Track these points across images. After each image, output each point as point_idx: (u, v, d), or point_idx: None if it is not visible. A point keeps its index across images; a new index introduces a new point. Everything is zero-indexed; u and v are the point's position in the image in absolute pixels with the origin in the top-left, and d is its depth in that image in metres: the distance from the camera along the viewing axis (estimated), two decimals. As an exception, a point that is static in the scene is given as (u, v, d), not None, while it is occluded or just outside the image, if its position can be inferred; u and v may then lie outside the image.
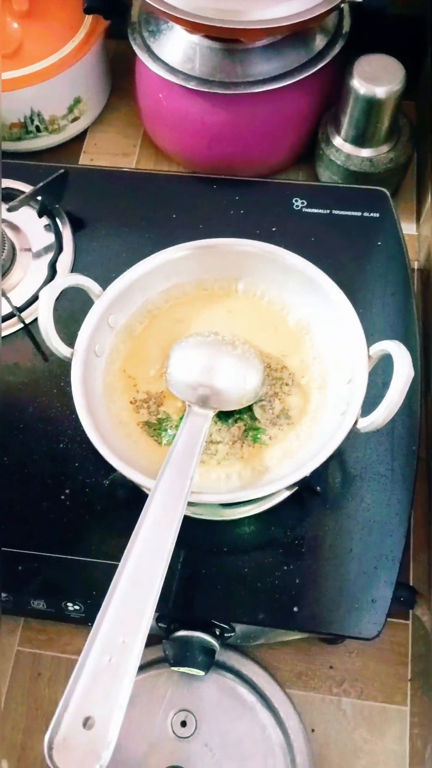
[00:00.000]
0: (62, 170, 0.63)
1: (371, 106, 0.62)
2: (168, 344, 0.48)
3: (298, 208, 0.62)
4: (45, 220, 0.63)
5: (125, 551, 0.37)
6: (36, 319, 0.46)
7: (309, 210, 0.62)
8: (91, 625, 0.34)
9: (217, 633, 0.48)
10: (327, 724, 0.53)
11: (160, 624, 0.49)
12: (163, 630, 0.49)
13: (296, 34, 0.62)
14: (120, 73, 0.80)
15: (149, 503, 0.39)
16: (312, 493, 0.49)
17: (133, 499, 0.49)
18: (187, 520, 0.39)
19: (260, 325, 0.50)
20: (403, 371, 0.39)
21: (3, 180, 0.64)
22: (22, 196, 0.62)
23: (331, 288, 0.47)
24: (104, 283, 0.48)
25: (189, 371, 0.45)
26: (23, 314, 0.58)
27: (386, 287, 0.57)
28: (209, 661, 0.48)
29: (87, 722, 0.32)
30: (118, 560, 0.36)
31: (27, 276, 0.61)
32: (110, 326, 0.49)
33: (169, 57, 0.66)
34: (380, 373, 0.44)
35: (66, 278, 0.47)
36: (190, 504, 0.40)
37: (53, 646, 0.57)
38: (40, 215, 0.63)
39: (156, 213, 0.63)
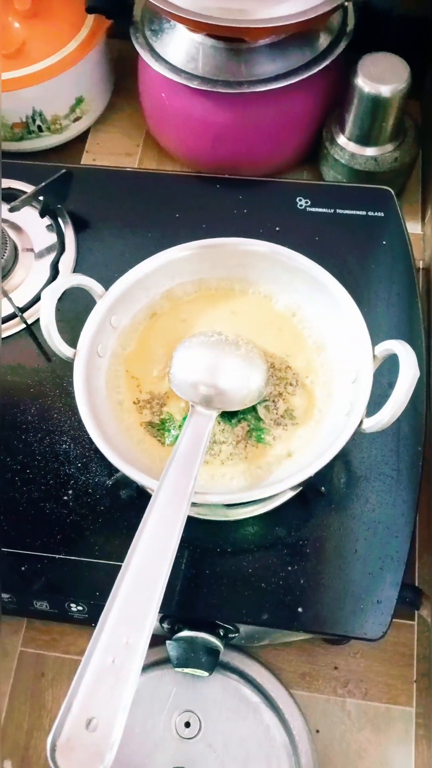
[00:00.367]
0: (64, 170, 0.63)
1: (376, 105, 0.62)
2: (171, 344, 0.48)
3: (302, 207, 0.62)
4: (47, 220, 0.63)
5: (129, 552, 0.37)
6: (38, 320, 0.46)
7: (313, 209, 0.62)
8: (95, 626, 0.34)
9: (221, 634, 0.48)
10: (331, 725, 0.53)
11: (163, 624, 0.49)
12: (167, 630, 0.49)
13: (300, 33, 0.62)
14: (123, 73, 0.79)
15: (153, 503, 0.39)
16: (317, 494, 0.49)
17: (136, 499, 0.49)
18: (190, 520, 0.39)
19: (264, 325, 0.50)
20: (409, 371, 0.39)
21: (5, 180, 0.64)
22: (24, 196, 0.61)
23: (335, 288, 0.47)
24: (107, 284, 0.48)
25: (192, 371, 0.45)
26: (25, 315, 0.58)
27: (391, 287, 0.57)
28: (213, 662, 0.48)
29: (90, 723, 0.31)
30: (122, 561, 0.36)
31: (29, 276, 0.61)
32: (113, 326, 0.48)
33: (172, 56, 0.65)
34: (385, 374, 0.44)
35: (68, 278, 0.47)
36: (193, 504, 0.40)
37: (57, 646, 0.57)
38: (43, 215, 0.62)
39: (159, 213, 0.62)
